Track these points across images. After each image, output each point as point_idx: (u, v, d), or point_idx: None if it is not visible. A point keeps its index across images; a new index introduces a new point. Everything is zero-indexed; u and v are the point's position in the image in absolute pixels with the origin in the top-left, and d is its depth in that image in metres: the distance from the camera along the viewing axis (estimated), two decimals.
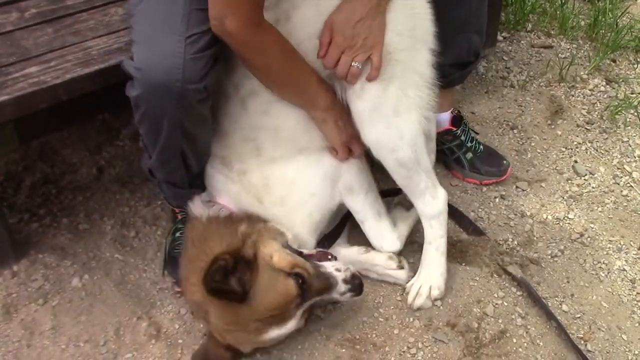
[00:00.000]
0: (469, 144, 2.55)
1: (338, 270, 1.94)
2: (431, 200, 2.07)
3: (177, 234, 2.21)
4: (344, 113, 1.99)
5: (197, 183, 2.10)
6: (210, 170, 2.10)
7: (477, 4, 2.37)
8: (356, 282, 1.94)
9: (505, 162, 2.56)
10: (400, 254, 2.22)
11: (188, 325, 2.09)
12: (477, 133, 2.67)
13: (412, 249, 2.29)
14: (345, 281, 1.92)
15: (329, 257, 2.02)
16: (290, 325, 1.88)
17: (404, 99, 1.92)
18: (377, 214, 2.15)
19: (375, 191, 2.17)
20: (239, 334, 1.88)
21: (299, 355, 2.01)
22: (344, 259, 2.07)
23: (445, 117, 2.52)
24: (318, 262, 1.97)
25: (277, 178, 2.06)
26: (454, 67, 2.47)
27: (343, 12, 1.83)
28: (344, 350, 2.02)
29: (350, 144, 2.05)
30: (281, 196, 2.05)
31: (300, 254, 1.97)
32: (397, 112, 1.91)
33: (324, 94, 1.95)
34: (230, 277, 1.80)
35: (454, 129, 2.52)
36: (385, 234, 2.17)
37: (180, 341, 2.04)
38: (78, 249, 2.32)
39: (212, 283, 1.77)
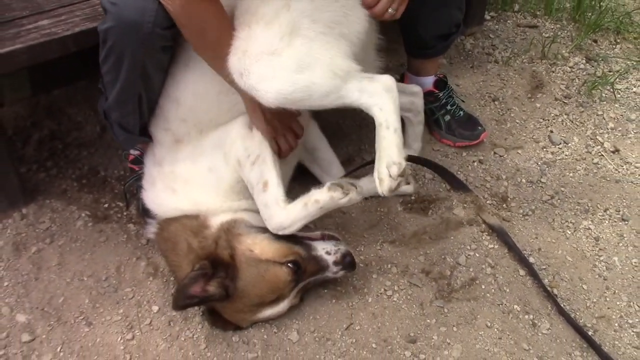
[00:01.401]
0: (448, 107, 2.72)
1: (328, 253, 2.05)
2: (369, 87, 1.92)
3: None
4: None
5: (147, 133, 2.20)
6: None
7: None
8: (347, 261, 2.06)
9: (480, 127, 2.73)
10: None
11: None
12: (462, 101, 2.84)
13: None
14: (336, 263, 2.05)
15: (322, 237, 2.11)
16: (285, 304, 2.03)
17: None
18: (263, 185, 2.03)
19: (270, 161, 2.06)
20: (235, 314, 2.02)
21: None
22: None
23: (429, 80, 2.69)
24: (310, 242, 2.07)
25: (180, 160, 2.13)
26: (437, 39, 2.64)
27: None
28: (325, 290, 2.20)
29: (277, 138, 2.11)
30: (185, 177, 2.12)
31: (294, 237, 2.06)
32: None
33: None
34: (210, 283, 1.91)
35: (437, 91, 2.70)
36: (269, 206, 2.02)
37: (174, 279, 2.21)
38: (82, 197, 2.49)
39: (176, 307, 1.93)
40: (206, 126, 2.12)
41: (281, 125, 2.10)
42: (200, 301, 1.95)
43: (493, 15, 3.56)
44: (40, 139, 2.73)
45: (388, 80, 1.95)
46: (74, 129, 2.80)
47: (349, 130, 2.79)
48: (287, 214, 2.02)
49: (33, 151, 2.67)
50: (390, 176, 1.88)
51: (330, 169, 2.48)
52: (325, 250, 2.06)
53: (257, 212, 2.08)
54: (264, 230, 2.05)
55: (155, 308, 2.13)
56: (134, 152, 2.39)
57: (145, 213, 2.32)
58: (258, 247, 1.99)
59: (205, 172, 2.11)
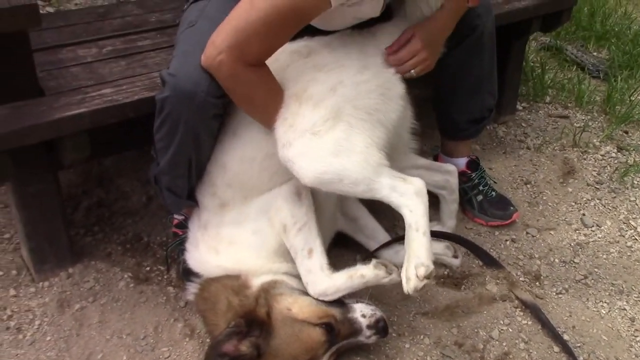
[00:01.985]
0: (481, 187, 2.80)
1: (364, 316, 2.10)
2: (402, 187, 2.01)
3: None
4: None
5: (194, 197, 2.31)
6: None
7: (489, 70, 2.68)
8: (380, 326, 2.10)
9: (512, 207, 2.79)
10: None
11: None
12: (495, 182, 2.92)
13: None
14: (369, 327, 2.09)
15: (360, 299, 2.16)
16: None
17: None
18: (308, 252, 2.12)
19: (315, 229, 2.14)
20: None
21: None
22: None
23: (462, 161, 2.79)
24: (350, 304, 2.12)
25: (225, 223, 2.22)
26: (470, 123, 2.77)
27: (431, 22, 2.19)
28: (358, 358, 2.21)
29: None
30: (229, 238, 2.20)
31: (337, 301, 2.12)
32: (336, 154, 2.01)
33: None
34: (243, 341, 1.96)
35: (469, 171, 2.79)
36: (313, 272, 2.10)
37: (210, 339, 2.25)
38: (126, 260, 2.60)
39: None
40: (250, 191, 2.23)
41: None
42: (231, 359, 1.98)
43: (525, 106, 3.69)
44: (89, 206, 2.87)
45: (419, 183, 2.04)
46: (121, 198, 2.94)
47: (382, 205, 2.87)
48: (332, 282, 2.09)
49: (81, 217, 2.80)
50: (417, 276, 1.95)
51: (376, 235, 2.55)
52: (362, 313, 2.10)
53: (297, 275, 2.15)
54: (304, 292, 2.11)
55: None
56: (178, 217, 2.51)
57: (185, 276, 2.40)
58: (297, 306, 2.04)
59: (249, 235, 2.20)
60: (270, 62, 2.04)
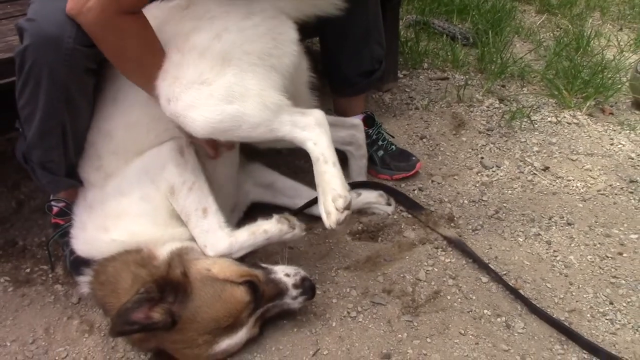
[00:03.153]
0: (380, 142, 2.72)
1: (287, 275, 1.93)
2: (302, 120, 1.89)
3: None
4: None
5: (74, 175, 2.04)
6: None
7: (374, 18, 2.63)
8: (307, 285, 1.93)
9: (414, 158, 2.73)
10: None
11: None
12: (392, 136, 2.85)
13: None
14: (295, 286, 1.91)
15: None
16: (242, 334, 1.84)
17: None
18: (202, 212, 1.96)
19: (206, 187, 2.00)
20: (187, 350, 1.79)
21: None
22: None
23: (357, 118, 2.68)
24: (269, 267, 1.95)
25: (109, 195, 1.99)
26: (360, 76, 2.69)
27: None
28: (285, 321, 2.01)
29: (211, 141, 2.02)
30: (116, 211, 1.97)
31: (254, 264, 1.97)
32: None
33: None
34: (155, 307, 1.72)
35: (366, 128, 2.68)
36: (211, 232, 1.95)
37: None
38: (0, 265, 2.24)
39: (114, 333, 1.74)
40: (132, 155, 1.99)
41: None
42: (141, 328, 1.71)
43: (405, 73, 3.69)
44: None
45: (319, 114, 1.94)
46: None
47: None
48: (234, 240, 1.93)
49: None
50: (336, 209, 1.83)
51: (299, 192, 2.42)
52: (285, 273, 1.92)
53: None
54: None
55: None
56: (58, 204, 2.19)
57: (74, 269, 2.10)
58: (217, 267, 1.84)
59: (136, 202, 1.95)
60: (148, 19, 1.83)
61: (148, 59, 1.86)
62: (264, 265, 1.97)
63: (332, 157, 1.88)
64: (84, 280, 1.98)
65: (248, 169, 2.42)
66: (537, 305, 2.08)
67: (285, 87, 1.97)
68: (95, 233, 1.96)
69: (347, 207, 1.83)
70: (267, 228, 1.96)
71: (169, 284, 1.75)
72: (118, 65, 1.87)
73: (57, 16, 1.70)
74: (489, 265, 2.22)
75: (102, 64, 1.91)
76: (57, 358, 1.89)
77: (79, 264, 2.06)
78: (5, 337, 1.94)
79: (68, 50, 1.72)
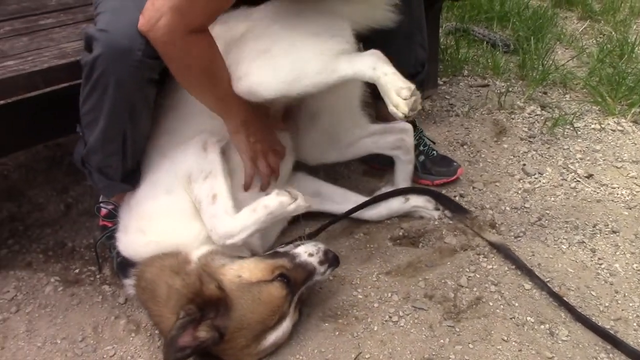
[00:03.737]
0: (421, 148, 2.71)
1: (311, 255, 1.95)
2: (356, 56, 2.01)
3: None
4: (258, 132, 2.10)
5: (129, 180, 2.09)
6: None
7: (418, 20, 2.63)
8: (331, 257, 1.96)
9: (455, 163, 2.72)
10: None
11: None
12: (433, 142, 2.85)
13: None
14: (321, 262, 1.94)
15: (298, 242, 2.03)
16: (286, 324, 1.87)
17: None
18: (212, 198, 1.97)
19: (222, 177, 2.02)
20: (238, 353, 1.83)
21: None
22: None
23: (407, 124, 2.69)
24: (291, 252, 1.97)
25: (142, 196, 2.08)
26: None
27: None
28: (326, 324, 2.03)
29: (257, 159, 2.13)
30: (149, 212, 2.03)
31: (276, 253, 2.00)
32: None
33: (242, 107, 2.04)
34: (199, 327, 1.75)
35: None
36: (216, 216, 1.96)
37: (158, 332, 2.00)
38: (50, 266, 2.31)
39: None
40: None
41: (262, 147, 2.09)
42: (192, 351, 1.75)
43: (445, 81, 3.68)
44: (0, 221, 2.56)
45: (375, 50, 2.01)
46: (35, 209, 2.64)
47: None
48: (235, 221, 1.93)
49: None
50: (404, 99, 1.88)
51: (347, 197, 2.46)
52: (308, 253, 1.94)
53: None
54: (241, 257, 1.96)
55: None
56: (106, 207, 2.25)
57: (120, 271, 2.15)
58: (245, 270, 1.86)
59: (164, 197, 2.01)
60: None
61: (211, 76, 1.94)
62: (284, 250, 1.99)
63: (390, 69, 1.95)
64: (129, 283, 2.03)
65: (292, 180, 2.45)
66: (582, 312, 2.05)
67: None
68: (134, 235, 2.02)
69: (413, 94, 1.88)
70: (267, 202, 1.94)
71: (207, 301, 1.77)
72: (182, 80, 1.94)
73: (129, 29, 1.77)
74: (533, 270, 2.19)
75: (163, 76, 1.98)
76: (105, 356, 1.93)
77: (126, 265, 2.12)
78: (55, 335, 2.00)
79: (136, 62, 1.79)
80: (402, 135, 2.53)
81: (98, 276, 2.25)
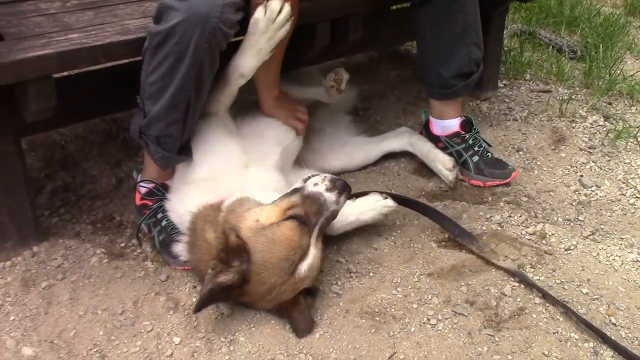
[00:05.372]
0: (476, 148, 2.65)
1: (316, 184, 1.97)
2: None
3: (164, 222, 2.23)
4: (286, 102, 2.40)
5: (184, 151, 2.16)
6: None
7: (472, 18, 2.57)
8: (338, 185, 1.97)
9: (510, 167, 2.65)
10: None
11: None
12: (490, 145, 2.78)
13: None
14: (328, 189, 1.95)
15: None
16: (313, 253, 1.92)
17: None
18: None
19: None
20: (279, 292, 1.90)
21: (317, 324, 1.99)
22: None
23: (455, 122, 2.65)
24: (298, 186, 2.00)
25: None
26: (458, 78, 2.64)
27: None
28: (363, 320, 2.01)
29: (289, 120, 2.40)
30: (195, 165, 2.19)
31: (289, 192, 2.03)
32: None
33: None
34: (227, 273, 1.84)
35: (463, 132, 2.63)
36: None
37: None
38: (97, 238, 2.35)
39: (197, 309, 1.86)
40: None
41: (288, 109, 2.40)
42: (219, 296, 1.87)
43: (505, 83, 3.59)
44: (54, 190, 2.62)
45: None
46: (88, 181, 2.70)
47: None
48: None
49: (45, 200, 2.55)
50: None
51: (372, 140, 2.80)
52: (314, 183, 1.96)
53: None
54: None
55: (177, 340, 1.93)
56: (147, 185, 2.27)
57: (163, 249, 2.18)
58: (263, 214, 1.92)
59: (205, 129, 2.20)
60: None
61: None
62: (295, 187, 2.01)
63: None
64: (179, 248, 2.13)
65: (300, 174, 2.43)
66: (630, 335, 1.98)
67: None
68: (182, 189, 2.19)
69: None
70: (257, 15, 2.04)
71: (229, 252, 1.86)
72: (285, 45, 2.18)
73: None
74: (554, 296, 2.10)
75: None
76: (142, 331, 1.96)
77: (169, 243, 2.15)
78: (97, 305, 2.04)
79: (212, 29, 1.84)
80: (403, 131, 2.85)
81: (141, 252, 2.28)
